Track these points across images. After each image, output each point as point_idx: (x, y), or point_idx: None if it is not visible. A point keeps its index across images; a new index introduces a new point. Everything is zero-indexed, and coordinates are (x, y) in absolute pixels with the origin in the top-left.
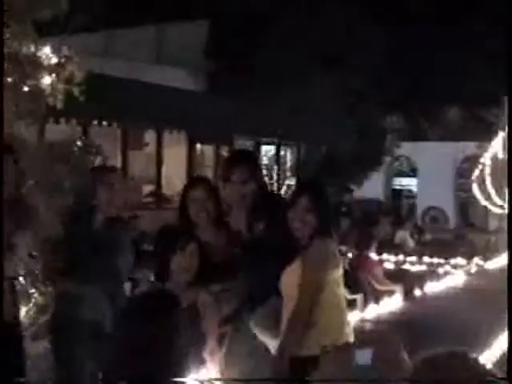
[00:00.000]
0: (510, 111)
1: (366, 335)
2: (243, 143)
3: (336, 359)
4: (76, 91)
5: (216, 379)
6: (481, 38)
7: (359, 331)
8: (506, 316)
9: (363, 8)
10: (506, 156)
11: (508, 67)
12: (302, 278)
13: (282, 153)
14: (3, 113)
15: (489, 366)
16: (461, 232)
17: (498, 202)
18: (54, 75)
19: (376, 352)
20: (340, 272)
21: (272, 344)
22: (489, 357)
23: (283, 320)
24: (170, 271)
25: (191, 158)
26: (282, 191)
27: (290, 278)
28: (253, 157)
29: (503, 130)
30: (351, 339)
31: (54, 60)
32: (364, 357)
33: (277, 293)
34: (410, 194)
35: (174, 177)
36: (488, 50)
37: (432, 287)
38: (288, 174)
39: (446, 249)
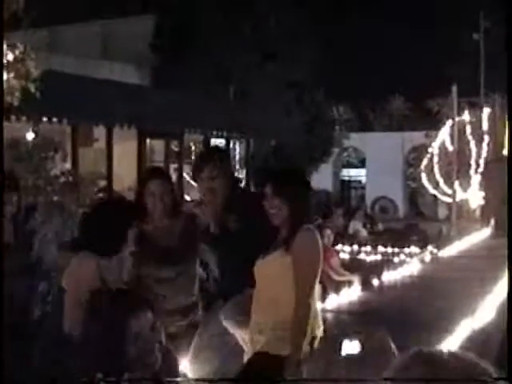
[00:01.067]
0: (510, 108)
1: (352, 326)
2: (193, 137)
3: (325, 350)
4: (32, 88)
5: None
6: (426, 29)
7: (345, 322)
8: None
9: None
10: (455, 145)
11: (508, 65)
12: (297, 273)
13: (232, 146)
14: (3, 112)
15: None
16: (412, 221)
17: (447, 190)
18: (11, 72)
19: (363, 342)
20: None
21: (242, 336)
22: (451, 343)
23: (254, 309)
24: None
25: (141, 154)
26: None
27: (271, 268)
28: (222, 154)
29: (451, 118)
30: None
31: (10, 56)
32: (351, 347)
33: (247, 285)
34: (359, 185)
35: (125, 172)
36: (433, 40)
37: (388, 276)
38: (237, 167)
39: (398, 238)
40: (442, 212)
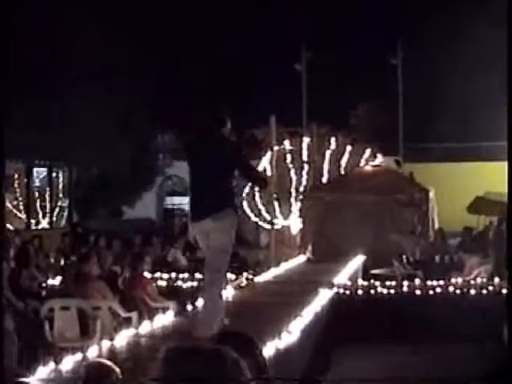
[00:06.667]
0: (509, 113)
1: None
2: (15, 166)
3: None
4: None
5: None
6: (252, 59)
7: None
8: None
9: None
10: (274, 173)
11: (508, 69)
12: None
13: (54, 175)
14: (3, 115)
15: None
16: (234, 248)
17: (268, 217)
18: None
19: None
20: None
21: None
22: None
23: None
24: None
25: None
26: (55, 213)
27: None
28: None
29: (270, 148)
30: None
31: None
32: None
33: None
34: (183, 213)
35: None
36: (257, 71)
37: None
38: (61, 195)
39: None
40: (264, 239)
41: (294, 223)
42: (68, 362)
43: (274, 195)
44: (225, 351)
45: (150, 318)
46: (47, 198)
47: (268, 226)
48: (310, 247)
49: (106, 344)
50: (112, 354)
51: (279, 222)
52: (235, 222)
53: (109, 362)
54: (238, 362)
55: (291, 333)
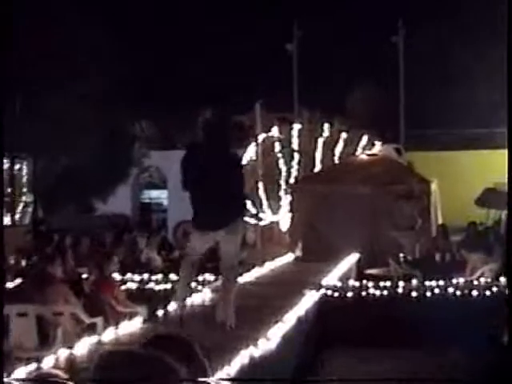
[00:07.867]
0: (509, 112)
1: None
2: None
3: None
4: None
5: None
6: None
7: None
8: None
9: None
10: (260, 163)
11: (508, 70)
12: None
13: (17, 167)
14: (3, 113)
15: None
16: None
17: (253, 211)
18: None
19: None
20: None
21: None
22: (228, 372)
23: None
24: None
25: None
26: (19, 209)
27: None
28: None
29: (255, 136)
30: None
31: None
32: None
33: None
34: (161, 208)
35: None
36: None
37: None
38: (24, 190)
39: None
40: (250, 236)
41: (284, 218)
42: (20, 374)
43: (261, 186)
44: (159, 356)
45: (117, 324)
46: (9, 193)
47: (253, 221)
48: (299, 245)
49: (63, 353)
50: (69, 364)
51: (267, 218)
52: (243, 229)
53: (61, 373)
54: (173, 365)
55: (270, 340)
